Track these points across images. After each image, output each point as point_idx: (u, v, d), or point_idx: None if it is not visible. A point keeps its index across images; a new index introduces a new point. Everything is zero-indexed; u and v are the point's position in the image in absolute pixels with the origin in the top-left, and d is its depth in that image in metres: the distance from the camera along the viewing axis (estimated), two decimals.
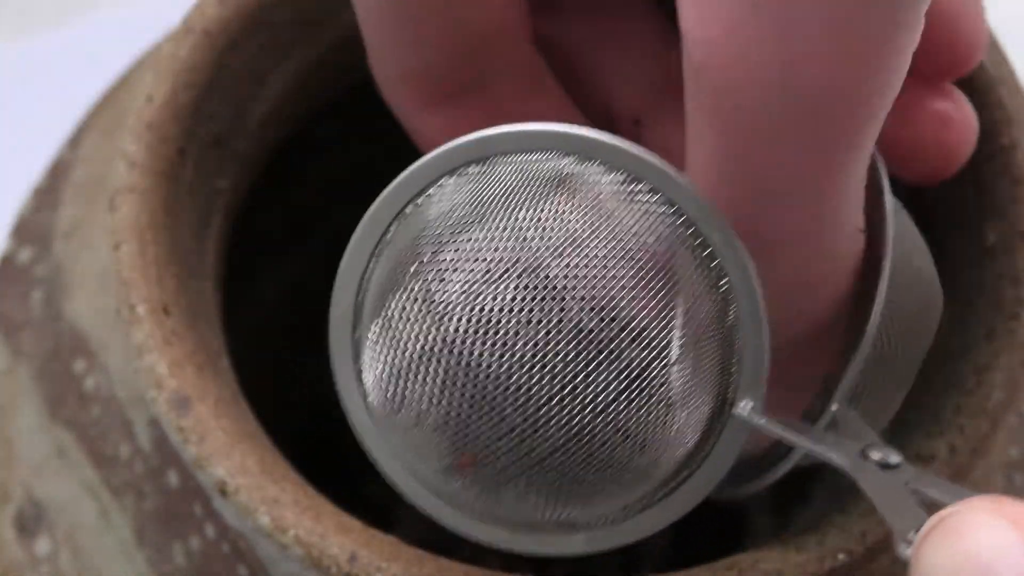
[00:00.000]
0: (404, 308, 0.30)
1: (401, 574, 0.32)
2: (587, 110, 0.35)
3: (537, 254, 0.29)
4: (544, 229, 0.29)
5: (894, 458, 0.29)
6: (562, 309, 0.29)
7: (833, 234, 0.30)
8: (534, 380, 0.29)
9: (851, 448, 0.30)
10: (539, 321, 0.29)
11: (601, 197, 0.29)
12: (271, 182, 0.40)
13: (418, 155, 0.31)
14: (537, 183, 0.30)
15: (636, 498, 0.31)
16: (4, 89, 0.65)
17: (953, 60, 0.33)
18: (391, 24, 0.32)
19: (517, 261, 0.29)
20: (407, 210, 0.30)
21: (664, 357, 0.29)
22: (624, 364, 0.29)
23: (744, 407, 0.30)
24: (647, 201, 0.29)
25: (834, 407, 0.31)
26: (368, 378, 0.31)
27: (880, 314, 0.31)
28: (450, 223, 0.30)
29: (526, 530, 0.31)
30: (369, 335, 0.30)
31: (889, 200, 0.32)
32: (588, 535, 0.31)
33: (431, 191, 0.30)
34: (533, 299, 0.29)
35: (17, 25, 0.67)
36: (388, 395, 0.30)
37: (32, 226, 0.42)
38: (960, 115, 0.34)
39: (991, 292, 0.35)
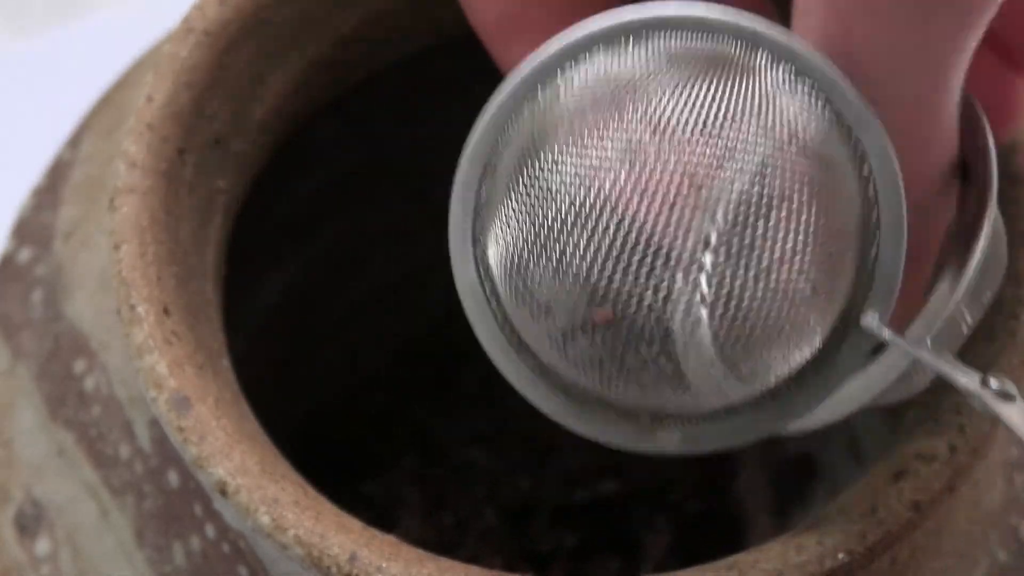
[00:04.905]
0: (557, 161, 0.30)
1: (401, 574, 0.32)
2: None
3: (699, 123, 0.29)
4: (707, 102, 0.29)
5: (1011, 388, 0.29)
6: (715, 178, 0.29)
7: (943, 104, 0.30)
8: (679, 241, 0.29)
9: (972, 374, 0.29)
10: (692, 185, 0.29)
11: (763, 85, 0.30)
12: (271, 182, 0.40)
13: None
14: (701, 62, 0.30)
15: (745, 396, 0.31)
16: (4, 89, 0.66)
17: None
18: None
19: (680, 124, 0.29)
20: (559, 72, 0.30)
21: (805, 246, 0.29)
22: (765, 244, 0.29)
23: (872, 319, 0.30)
24: (808, 96, 0.30)
25: (941, 322, 0.30)
26: (498, 235, 0.30)
27: (991, 220, 0.31)
28: (609, 88, 0.30)
29: (624, 422, 0.31)
30: (510, 193, 0.30)
31: (988, 126, 0.31)
32: (685, 433, 0.31)
33: (586, 55, 0.30)
34: (693, 163, 0.29)
35: (17, 25, 0.67)
36: (528, 246, 0.30)
37: (32, 226, 0.42)
38: None
39: None
